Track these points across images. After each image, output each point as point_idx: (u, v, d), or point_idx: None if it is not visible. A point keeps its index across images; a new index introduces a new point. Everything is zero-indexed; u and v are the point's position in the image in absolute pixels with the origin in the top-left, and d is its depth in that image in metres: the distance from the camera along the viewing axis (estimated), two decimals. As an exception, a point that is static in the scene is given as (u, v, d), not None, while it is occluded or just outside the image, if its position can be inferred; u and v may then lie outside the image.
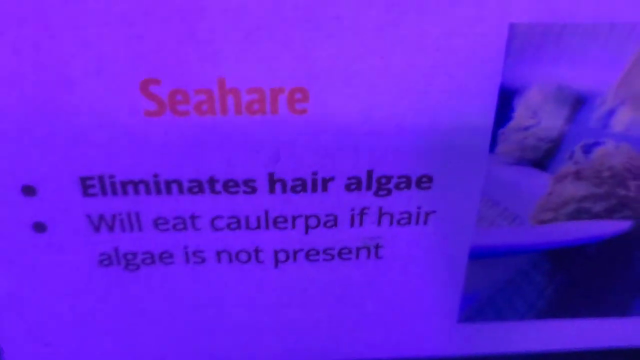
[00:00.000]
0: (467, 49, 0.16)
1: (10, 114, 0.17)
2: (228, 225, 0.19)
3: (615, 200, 0.19)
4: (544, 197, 0.19)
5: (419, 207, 0.19)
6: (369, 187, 0.18)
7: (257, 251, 0.20)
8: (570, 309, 0.22)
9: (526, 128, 0.18)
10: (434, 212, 0.19)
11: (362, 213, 0.19)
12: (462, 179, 0.18)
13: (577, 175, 0.19)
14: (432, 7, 0.16)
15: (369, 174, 0.18)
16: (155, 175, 0.18)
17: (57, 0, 0.15)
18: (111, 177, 0.18)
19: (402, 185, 0.18)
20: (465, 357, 0.23)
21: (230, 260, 0.20)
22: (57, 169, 0.18)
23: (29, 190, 0.18)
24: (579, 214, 0.20)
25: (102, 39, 0.16)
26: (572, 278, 0.21)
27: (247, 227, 0.19)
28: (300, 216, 0.19)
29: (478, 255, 0.20)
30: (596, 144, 0.18)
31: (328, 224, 0.19)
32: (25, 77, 0.16)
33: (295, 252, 0.20)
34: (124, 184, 0.18)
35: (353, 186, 0.18)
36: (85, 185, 0.18)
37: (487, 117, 0.17)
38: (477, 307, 0.22)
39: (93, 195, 0.18)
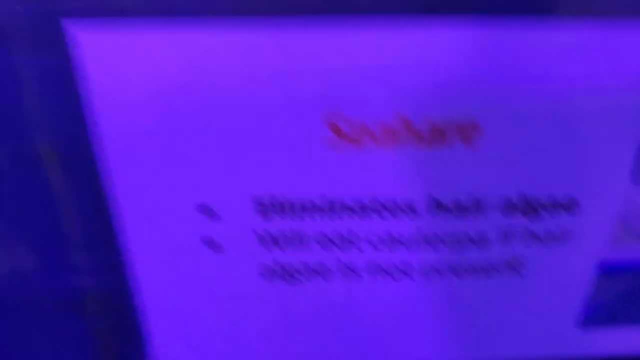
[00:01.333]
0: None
1: (192, 139, 0.18)
2: (384, 243, 0.21)
3: None
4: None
5: (562, 229, 0.21)
6: (521, 211, 0.20)
7: (408, 268, 0.21)
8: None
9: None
10: (574, 232, 0.21)
11: (510, 234, 0.21)
12: (604, 203, 0.20)
13: None
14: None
15: (523, 197, 0.20)
16: (323, 197, 0.20)
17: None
18: (284, 197, 0.19)
19: (551, 208, 0.20)
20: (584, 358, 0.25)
21: (383, 276, 0.21)
22: (234, 190, 0.19)
23: (204, 209, 0.20)
24: None
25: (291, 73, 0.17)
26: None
27: (402, 246, 0.21)
28: (453, 236, 0.21)
29: (606, 270, 0.22)
30: None
31: (479, 244, 0.21)
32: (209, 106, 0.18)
33: (444, 269, 0.22)
34: (293, 206, 0.20)
35: (506, 209, 0.20)
36: (261, 205, 0.20)
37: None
38: (599, 314, 0.24)
39: (266, 214, 0.20)
